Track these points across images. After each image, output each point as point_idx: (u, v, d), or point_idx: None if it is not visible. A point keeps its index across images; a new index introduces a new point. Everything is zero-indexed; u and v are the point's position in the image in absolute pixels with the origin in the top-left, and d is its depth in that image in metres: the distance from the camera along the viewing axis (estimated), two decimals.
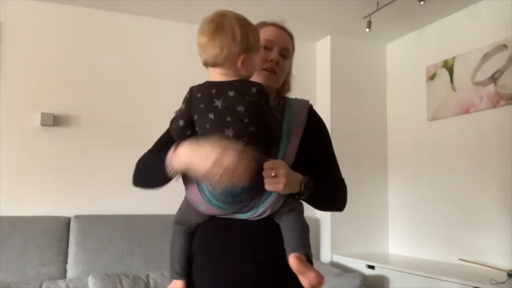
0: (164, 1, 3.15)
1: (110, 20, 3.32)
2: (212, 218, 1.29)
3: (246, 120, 1.20)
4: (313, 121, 1.41)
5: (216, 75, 1.27)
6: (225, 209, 1.24)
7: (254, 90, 1.22)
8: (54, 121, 3.07)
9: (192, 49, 3.66)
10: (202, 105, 1.22)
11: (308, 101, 1.44)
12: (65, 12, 3.20)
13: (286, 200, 1.25)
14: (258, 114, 1.21)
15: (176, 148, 1.19)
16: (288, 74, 1.50)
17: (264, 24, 1.48)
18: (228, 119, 1.19)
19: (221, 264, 1.28)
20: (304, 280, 1.17)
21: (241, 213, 1.26)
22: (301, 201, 1.33)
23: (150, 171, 1.31)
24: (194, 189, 1.26)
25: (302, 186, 1.25)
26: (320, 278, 1.17)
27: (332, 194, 1.40)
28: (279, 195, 1.23)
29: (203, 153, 1.11)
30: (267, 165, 1.20)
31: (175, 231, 1.37)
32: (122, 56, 3.32)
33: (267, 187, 1.20)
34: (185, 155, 1.16)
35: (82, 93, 3.19)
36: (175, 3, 3.19)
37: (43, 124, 3.03)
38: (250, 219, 1.26)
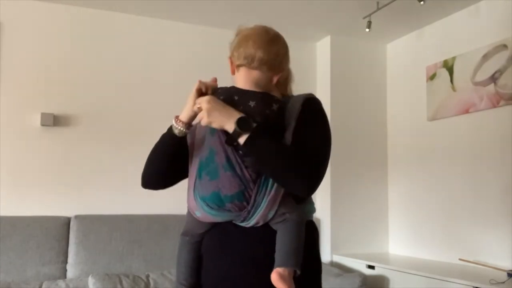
0: (164, 1, 3.15)
1: (110, 20, 3.32)
2: (216, 225, 1.31)
3: None
4: (306, 112, 1.29)
5: (245, 79, 1.29)
6: (216, 216, 1.26)
7: (275, 106, 1.26)
8: (54, 121, 3.07)
9: (192, 49, 3.66)
10: None
11: (306, 94, 1.34)
12: (65, 12, 3.20)
13: (279, 211, 1.25)
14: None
15: (174, 119, 1.33)
16: (287, 75, 1.48)
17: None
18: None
19: (223, 266, 1.29)
20: None
21: (236, 221, 1.27)
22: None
23: (159, 150, 1.37)
24: (190, 196, 1.31)
25: (235, 121, 1.20)
26: None
27: (285, 164, 1.22)
28: (268, 206, 1.23)
29: (191, 100, 1.29)
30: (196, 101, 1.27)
31: (181, 242, 1.39)
32: (122, 56, 3.32)
33: (200, 121, 1.26)
34: (185, 110, 1.31)
35: (82, 93, 3.19)
36: (175, 3, 3.19)
37: (43, 124, 3.03)
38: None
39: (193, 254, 1.36)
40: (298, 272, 1.22)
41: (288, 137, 1.26)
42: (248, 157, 1.23)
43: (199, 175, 1.29)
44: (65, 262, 2.86)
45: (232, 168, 1.23)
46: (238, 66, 1.30)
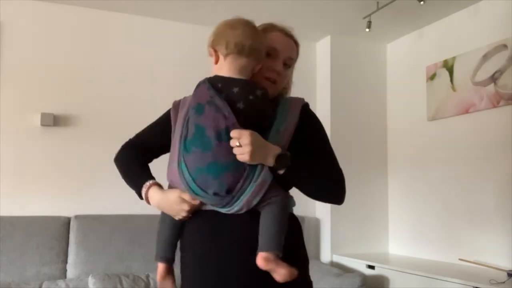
0: (164, 1, 3.15)
1: (110, 20, 3.32)
2: (199, 214, 1.30)
3: (242, 119, 1.23)
4: (307, 119, 1.39)
5: (232, 67, 1.30)
6: (201, 196, 1.25)
7: (259, 92, 1.27)
8: (54, 121, 3.07)
9: (192, 49, 3.65)
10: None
11: (302, 99, 1.42)
12: (65, 12, 3.20)
13: (265, 197, 1.24)
14: (254, 115, 1.26)
15: (148, 189, 1.35)
16: (288, 81, 1.50)
17: (272, 27, 1.45)
18: (226, 113, 1.23)
19: (209, 265, 1.28)
20: (275, 276, 1.20)
21: (219, 207, 1.26)
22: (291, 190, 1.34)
23: (127, 178, 1.48)
24: (173, 169, 1.30)
25: (274, 158, 1.23)
26: (291, 272, 1.19)
27: (323, 179, 1.34)
28: (253, 193, 1.23)
29: (169, 202, 1.30)
30: (232, 133, 1.22)
31: (161, 216, 1.39)
32: (122, 56, 3.32)
33: (237, 157, 1.22)
34: (156, 201, 1.34)
35: (82, 93, 3.19)
36: (175, 3, 3.19)
37: (43, 124, 3.04)
38: (229, 213, 1.26)
39: (174, 230, 1.36)
40: (280, 255, 1.22)
41: (284, 143, 1.31)
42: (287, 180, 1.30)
43: (186, 149, 1.27)
44: (65, 262, 2.87)
45: (227, 137, 1.23)
46: (227, 54, 1.30)
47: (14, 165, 2.98)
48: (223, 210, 1.26)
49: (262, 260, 1.19)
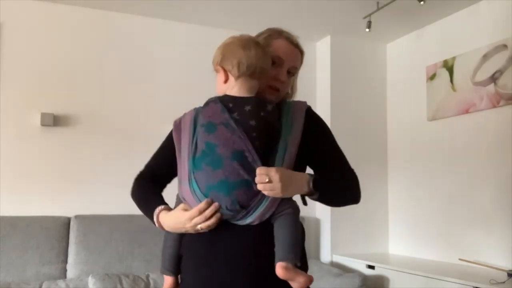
0: (164, 1, 3.15)
1: (110, 20, 3.32)
2: None
3: (254, 134, 1.25)
4: (312, 123, 1.39)
5: (242, 88, 1.31)
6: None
7: (269, 107, 1.29)
8: (54, 121, 3.07)
9: (192, 49, 3.64)
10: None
11: (304, 103, 1.41)
12: (65, 12, 3.20)
13: (277, 210, 1.26)
14: (266, 130, 1.28)
15: (158, 215, 1.33)
16: (292, 87, 1.51)
17: (278, 34, 1.44)
18: (242, 136, 1.24)
19: (208, 269, 1.28)
20: (294, 284, 1.22)
21: (232, 221, 1.26)
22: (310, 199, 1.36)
23: (143, 210, 1.41)
24: (185, 188, 1.29)
25: (310, 185, 1.27)
26: (310, 279, 1.23)
27: (344, 188, 1.40)
28: (268, 206, 1.24)
29: (181, 220, 1.26)
30: (259, 170, 1.22)
31: (167, 231, 1.39)
32: (122, 56, 3.32)
33: (266, 193, 1.23)
34: (167, 223, 1.31)
35: (82, 93, 3.19)
36: (175, 3, 3.19)
37: (43, 124, 3.04)
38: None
39: (180, 243, 1.36)
40: (298, 264, 1.24)
41: (292, 150, 1.32)
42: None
43: (195, 167, 1.27)
44: (65, 262, 2.87)
45: (241, 158, 1.23)
46: (239, 76, 1.30)
47: (14, 165, 2.98)
48: (237, 223, 1.26)
49: (281, 269, 1.21)
